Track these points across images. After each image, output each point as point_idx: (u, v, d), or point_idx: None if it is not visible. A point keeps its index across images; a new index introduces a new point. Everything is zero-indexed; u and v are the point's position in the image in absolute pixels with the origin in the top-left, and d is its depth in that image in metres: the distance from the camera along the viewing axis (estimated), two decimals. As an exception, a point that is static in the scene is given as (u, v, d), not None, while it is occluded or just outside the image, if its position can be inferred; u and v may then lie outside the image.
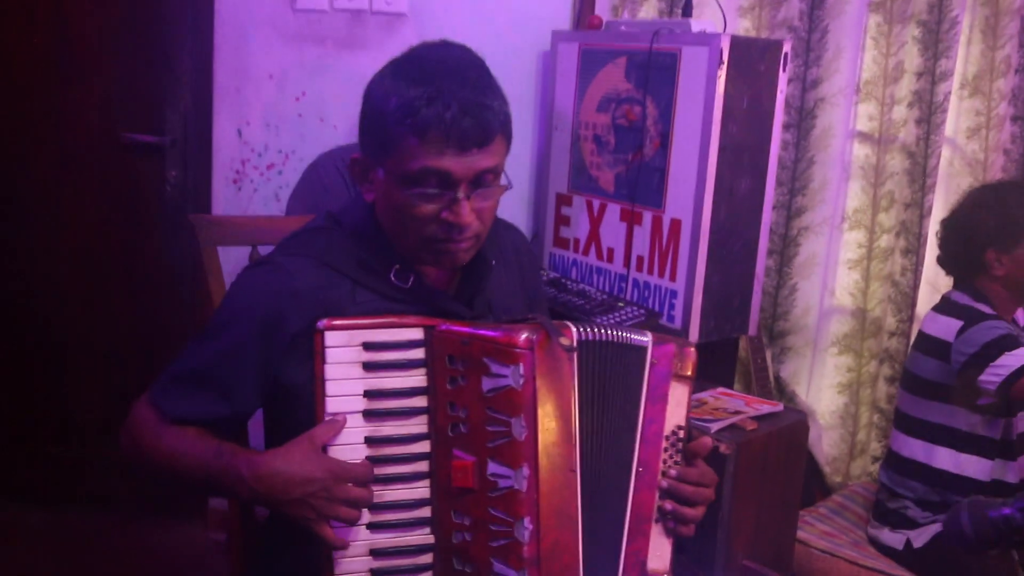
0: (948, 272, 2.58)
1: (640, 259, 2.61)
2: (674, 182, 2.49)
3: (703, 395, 2.40)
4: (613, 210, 2.69)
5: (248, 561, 1.69)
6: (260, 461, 1.34)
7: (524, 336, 1.32)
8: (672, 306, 2.53)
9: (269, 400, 1.49)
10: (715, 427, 2.19)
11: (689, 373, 1.46)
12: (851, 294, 3.04)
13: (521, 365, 1.31)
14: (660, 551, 1.45)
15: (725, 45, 2.35)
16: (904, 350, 3.00)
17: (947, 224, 2.52)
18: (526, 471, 1.31)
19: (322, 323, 1.37)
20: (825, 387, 3.09)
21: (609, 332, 1.43)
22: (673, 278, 2.52)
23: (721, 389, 2.47)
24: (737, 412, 2.27)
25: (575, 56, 2.76)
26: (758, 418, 2.26)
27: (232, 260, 1.98)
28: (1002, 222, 2.38)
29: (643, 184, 2.58)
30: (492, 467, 1.33)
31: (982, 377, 2.27)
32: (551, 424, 1.33)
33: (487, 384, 1.33)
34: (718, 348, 2.65)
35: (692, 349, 1.47)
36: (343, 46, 2.89)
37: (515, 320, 1.42)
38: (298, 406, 1.44)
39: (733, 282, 2.56)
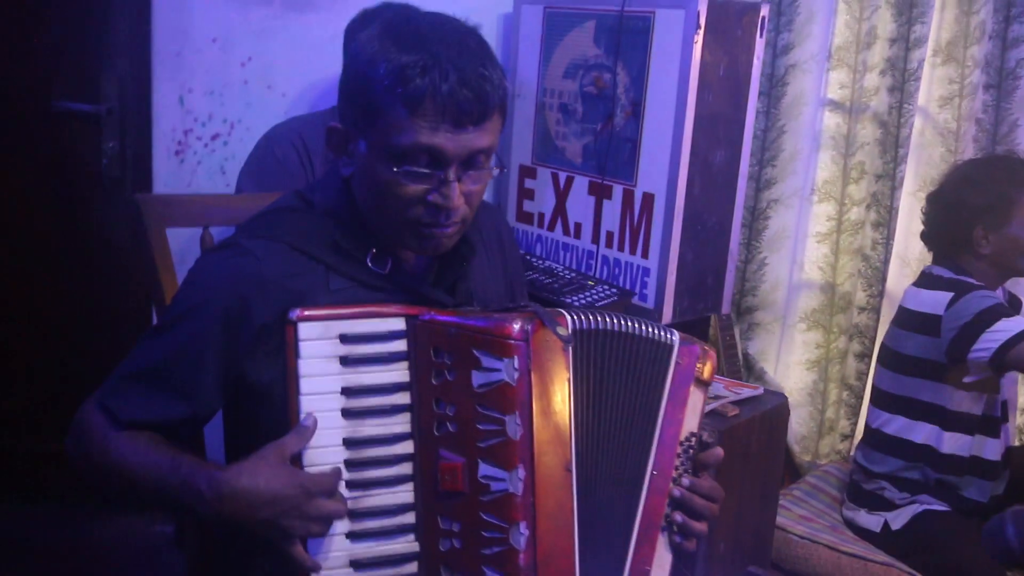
0: (930, 248, 2.50)
1: (610, 235, 2.50)
2: (647, 154, 2.38)
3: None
4: (581, 183, 2.57)
5: (205, 556, 1.56)
6: (223, 479, 1.21)
7: (518, 326, 1.23)
8: (644, 284, 2.43)
9: (231, 399, 1.36)
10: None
11: (707, 378, 1.38)
12: (820, 268, 2.96)
13: (516, 358, 1.22)
14: (662, 562, 1.36)
15: (702, 8, 2.23)
16: (875, 325, 2.94)
17: (933, 199, 2.44)
18: (521, 473, 1.22)
19: (294, 313, 1.25)
20: (793, 364, 3.02)
21: (614, 321, 1.33)
22: (645, 255, 2.41)
23: (698, 371, 2.38)
24: (717, 396, 2.17)
25: (539, 19, 2.62)
26: (738, 402, 2.16)
27: (179, 239, 1.84)
28: (991, 200, 2.30)
29: (613, 156, 2.46)
30: (484, 469, 1.24)
31: (975, 347, 2.20)
32: (546, 421, 1.25)
33: (478, 379, 1.24)
34: (691, 328, 2.55)
35: (713, 353, 1.40)
36: (291, 7, 2.72)
37: (506, 309, 1.33)
38: (264, 406, 1.32)
39: (707, 259, 2.46)
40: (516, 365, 1.22)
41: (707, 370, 1.38)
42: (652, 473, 1.35)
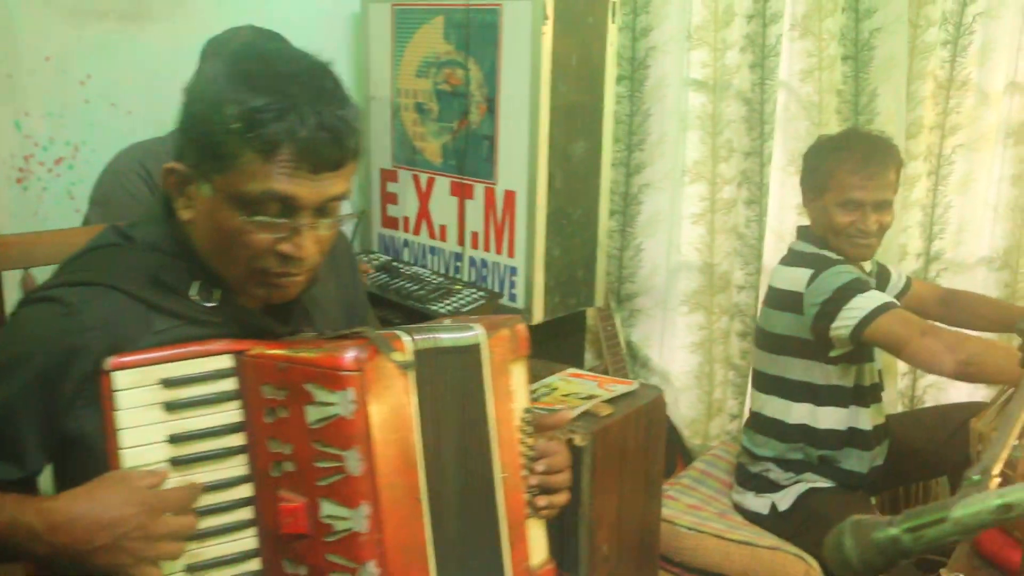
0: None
1: (475, 235, 2.44)
2: (505, 150, 2.32)
3: (552, 379, 2.26)
4: (442, 184, 2.50)
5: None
6: (55, 507, 1.12)
7: (350, 356, 1.15)
8: (513, 284, 2.37)
9: (57, 454, 1.26)
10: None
11: (525, 352, 1.35)
12: (697, 249, 2.94)
13: (350, 390, 1.15)
14: (538, 544, 1.36)
15: (548, -2, 2.18)
16: (754, 303, 2.93)
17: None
18: (366, 510, 1.16)
19: (108, 363, 1.17)
20: (677, 348, 3.00)
21: (441, 334, 1.27)
22: (511, 254, 2.36)
23: (571, 371, 2.33)
24: (591, 396, 2.13)
25: (388, 17, 2.54)
26: (612, 400, 2.12)
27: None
28: (811, 169, 2.34)
29: (472, 154, 2.39)
30: (326, 508, 1.18)
31: (835, 323, 2.19)
32: (390, 451, 1.18)
33: (312, 415, 1.17)
34: (565, 324, 2.52)
35: (522, 326, 1.37)
36: (128, 21, 2.59)
37: (339, 336, 1.25)
38: (91, 458, 1.22)
39: (575, 252, 2.42)
40: (351, 398, 1.15)
41: (523, 344, 1.35)
42: (503, 476, 1.31)
